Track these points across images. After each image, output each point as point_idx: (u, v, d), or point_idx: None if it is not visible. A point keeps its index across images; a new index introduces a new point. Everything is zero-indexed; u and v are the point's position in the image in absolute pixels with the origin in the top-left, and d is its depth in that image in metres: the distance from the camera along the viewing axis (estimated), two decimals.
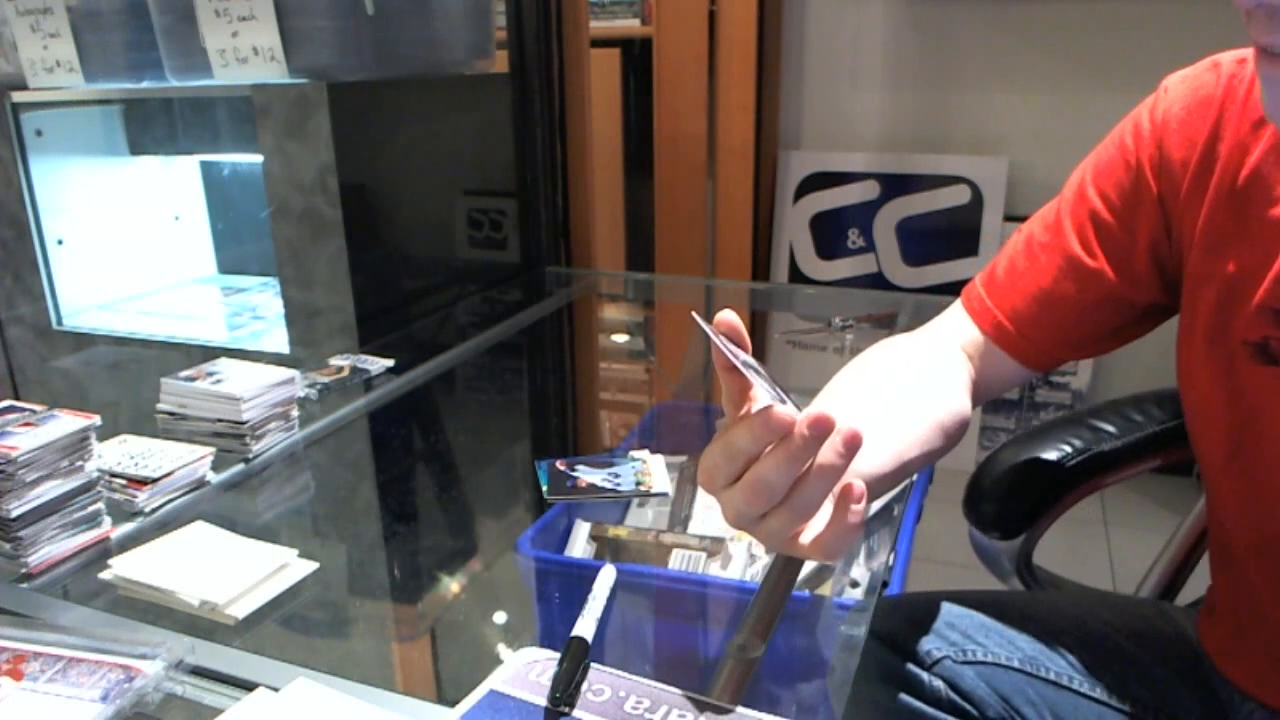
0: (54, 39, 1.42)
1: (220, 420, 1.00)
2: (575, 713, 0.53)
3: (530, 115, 1.74)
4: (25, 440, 0.76)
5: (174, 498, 0.90)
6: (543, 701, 0.54)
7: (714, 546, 0.91)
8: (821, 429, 0.47)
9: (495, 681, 0.56)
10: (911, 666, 0.81)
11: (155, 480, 0.88)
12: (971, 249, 2.42)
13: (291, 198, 1.36)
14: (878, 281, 2.52)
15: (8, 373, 1.66)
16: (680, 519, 1.04)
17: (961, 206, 2.42)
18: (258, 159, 1.38)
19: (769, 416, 0.47)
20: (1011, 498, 0.93)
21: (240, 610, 0.74)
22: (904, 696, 0.80)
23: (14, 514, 0.75)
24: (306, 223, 1.36)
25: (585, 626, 0.63)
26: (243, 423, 0.99)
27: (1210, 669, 0.78)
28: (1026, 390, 2.43)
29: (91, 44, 1.42)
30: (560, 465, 0.97)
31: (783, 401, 0.48)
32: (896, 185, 2.47)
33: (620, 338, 1.80)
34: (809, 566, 0.83)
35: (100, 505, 0.83)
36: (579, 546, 0.96)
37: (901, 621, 0.83)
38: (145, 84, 1.44)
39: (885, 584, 0.85)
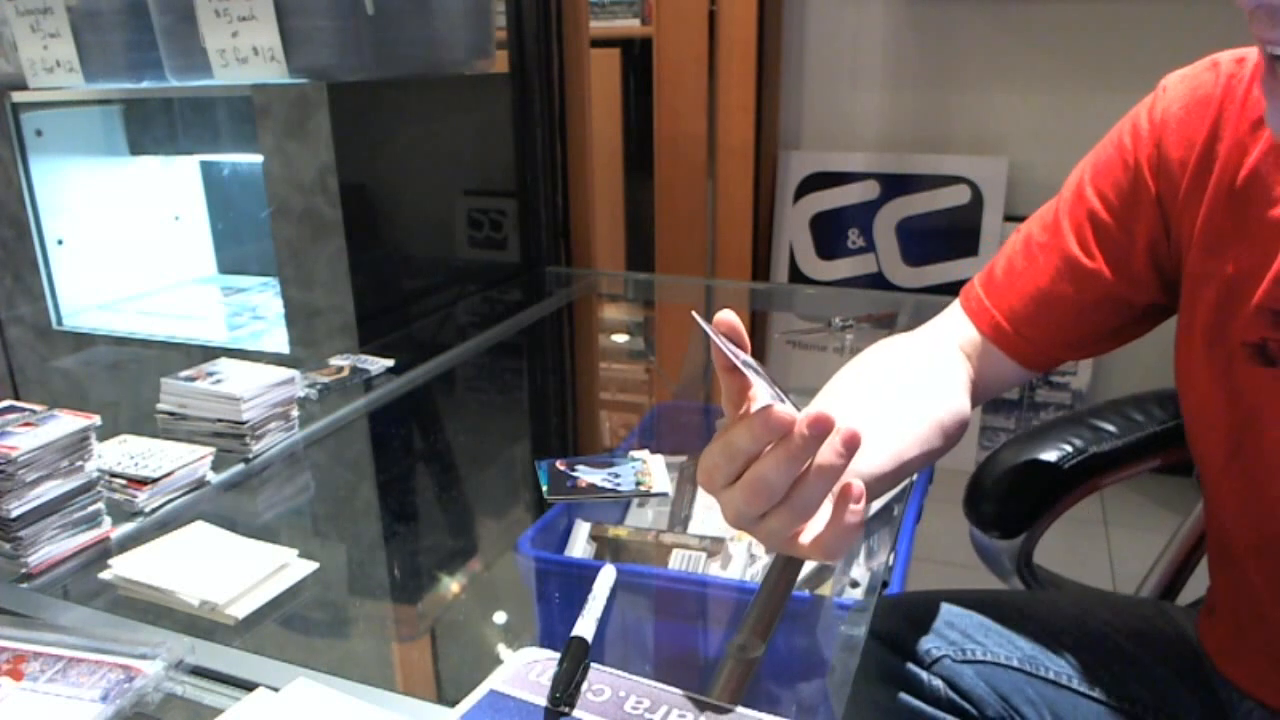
0: (54, 39, 1.42)
1: (220, 420, 1.00)
2: (575, 713, 0.53)
3: (530, 115, 1.74)
4: (25, 440, 0.76)
5: (174, 498, 0.90)
6: (543, 701, 0.54)
7: (714, 546, 0.91)
8: (821, 428, 0.47)
9: (495, 681, 0.56)
10: (911, 666, 0.81)
11: (155, 480, 0.88)
12: (971, 249, 2.42)
13: (291, 198, 1.36)
14: (878, 281, 2.52)
15: (8, 373, 1.66)
16: (680, 519, 1.04)
17: (961, 206, 2.42)
18: (258, 159, 1.38)
19: (769, 416, 0.48)
20: (1012, 497, 0.93)
21: (240, 610, 0.74)
22: (903, 696, 0.80)
23: (14, 514, 0.75)
24: (306, 223, 1.36)
25: (585, 626, 0.63)
26: (243, 423, 0.99)
27: (1210, 669, 0.78)
28: (1026, 390, 2.43)
29: (91, 44, 1.42)
30: (560, 465, 0.97)
31: (782, 401, 0.48)
32: (896, 185, 2.47)
33: (620, 338, 1.80)
34: (809, 566, 0.83)
35: (100, 505, 0.83)
36: (579, 546, 0.96)
37: (901, 621, 0.83)
38: (145, 84, 1.44)
39: (885, 584, 0.85)
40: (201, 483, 0.93)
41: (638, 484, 0.94)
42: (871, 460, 0.60)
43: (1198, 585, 0.90)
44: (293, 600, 0.77)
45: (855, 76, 2.49)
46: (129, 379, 1.57)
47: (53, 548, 0.79)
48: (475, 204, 1.70)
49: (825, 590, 0.86)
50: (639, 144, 2.70)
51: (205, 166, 1.84)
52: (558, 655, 0.57)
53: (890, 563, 0.87)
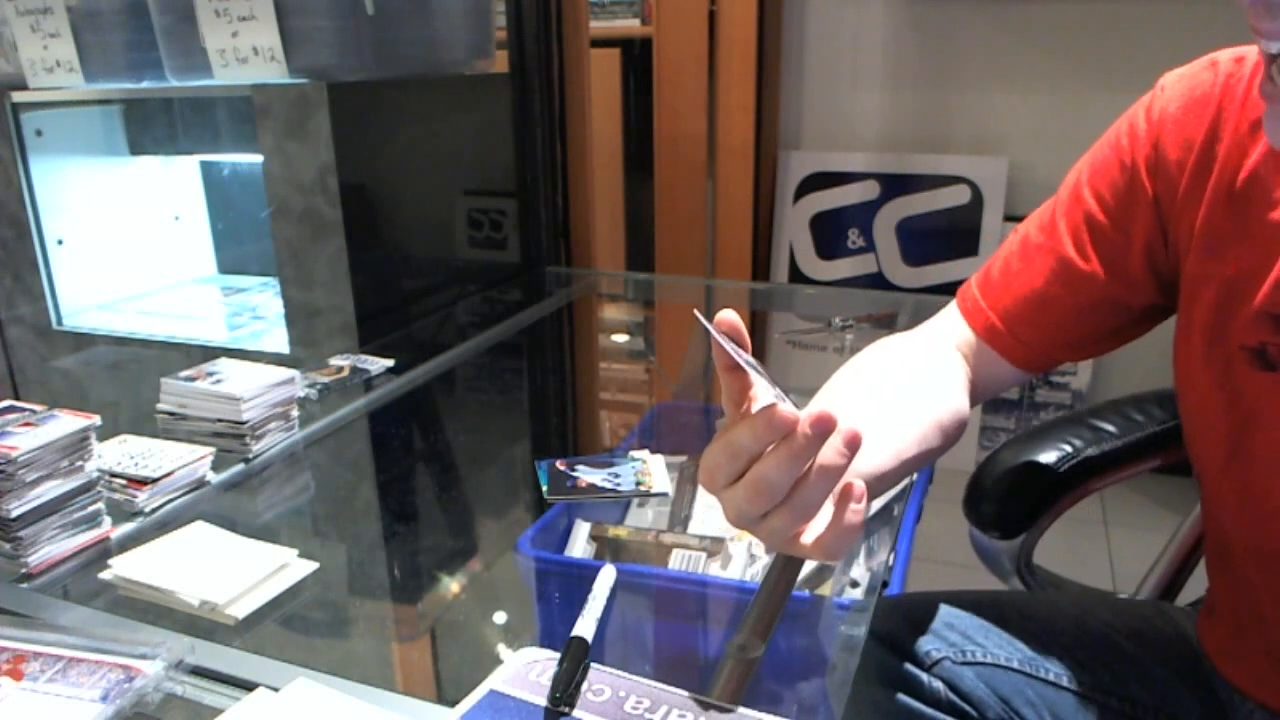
0: (54, 39, 1.42)
1: (220, 420, 1.00)
2: (575, 713, 0.53)
3: (530, 115, 1.74)
4: (25, 440, 0.76)
5: (174, 498, 0.90)
6: (543, 701, 0.54)
7: (714, 546, 0.91)
8: (824, 428, 0.47)
9: (495, 681, 0.56)
10: (911, 667, 0.81)
11: (155, 480, 0.88)
12: (971, 249, 2.42)
13: (291, 198, 1.36)
14: (878, 281, 2.52)
15: (8, 373, 1.66)
16: (680, 519, 1.04)
17: (961, 206, 2.42)
18: (258, 159, 1.38)
19: (772, 415, 0.47)
20: (1012, 498, 0.93)
21: (240, 610, 0.74)
22: (904, 697, 0.80)
23: (14, 514, 0.75)
24: (306, 223, 1.36)
25: (585, 626, 0.63)
26: (243, 423, 0.99)
27: (1210, 670, 0.78)
28: (1026, 390, 2.43)
29: (91, 44, 1.42)
30: (560, 465, 0.97)
31: (783, 401, 0.48)
32: (896, 185, 2.47)
33: (620, 338, 1.80)
34: (809, 566, 0.83)
35: (100, 505, 0.83)
36: (579, 546, 0.96)
37: (901, 622, 0.83)
38: (145, 84, 1.44)
39: (885, 584, 0.85)
40: (201, 483, 0.93)
41: (638, 484, 0.94)
42: (871, 460, 0.60)
43: (1197, 585, 0.90)
44: (293, 600, 0.77)
45: (855, 76, 2.49)
46: (129, 379, 1.57)
47: (53, 548, 0.79)
48: (475, 204, 1.70)
49: (825, 590, 0.86)
50: (639, 144, 2.70)
51: (205, 166, 1.84)
52: (558, 655, 0.57)
53: (890, 563, 0.87)
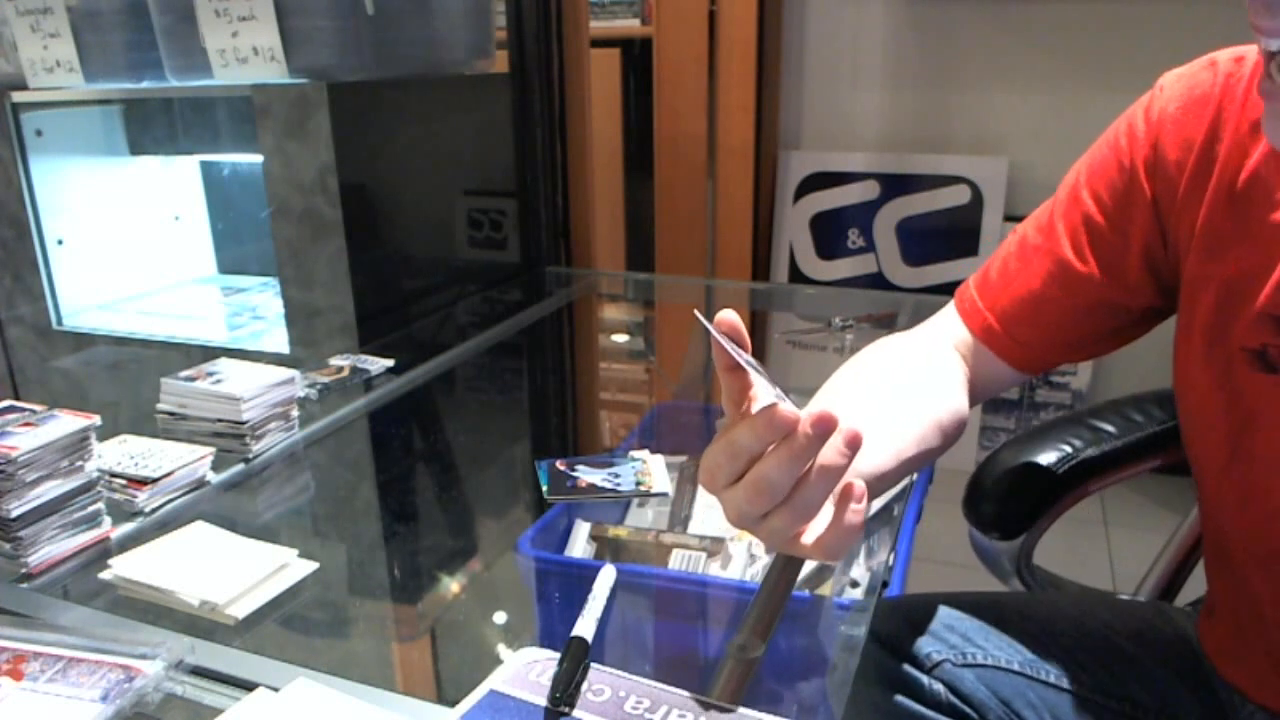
0: (54, 39, 1.42)
1: (220, 420, 1.00)
2: (575, 713, 0.53)
3: (530, 115, 1.74)
4: (25, 440, 0.76)
5: (174, 498, 0.90)
6: (543, 701, 0.54)
7: (714, 546, 0.91)
8: (825, 428, 0.47)
9: (495, 681, 0.56)
10: (911, 670, 0.81)
11: (155, 480, 0.88)
12: (971, 249, 2.42)
13: (291, 198, 1.36)
14: (878, 281, 2.52)
15: (8, 373, 1.66)
16: (680, 519, 1.04)
17: (961, 206, 2.42)
18: (258, 159, 1.38)
19: (773, 415, 0.47)
20: (1011, 498, 0.93)
21: (240, 610, 0.74)
22: (904, 700, 0.80)
23: (14, 514, 0.75)
24: (306, 223, 1.36)
25: (585, 626, 0.63)
26: (243, 423, 0.99)
27: (1210, 671, 0.78)
28: (1026, 390, 2.43)
29: (91, 44, 1.42)
30: (560, 465, 0.97)
31: (783, 401, 0.48)
32: (896, 185, 2.47)
33: (620, 338, 1.80)
34: (809, 566, 0.83)
35: (100, 505, 0.83)
36: (579, 546, 0.96)
37: (901, 624, 0.83)
38: (145, 84, 1.44)
39: (885, 584, 0.85)
40: (201, 483, 0.93)
41: (638, 484, 0.94)
42: (871, 460, 0.60)
43: (1197, 585, 0.90)
44: (293, 600, 0.77)
45: (855, 76, 2.49)
46: (129, 379, 1.57)
47: (53, 548, 0.79)
48: (475, 204, 1.70)
49: (825, 590, 0.86)
50: (639, 144, 2.70)
51: (205, 166, 1.84)
52: (558, 655, 0.57)
53: (890, 563, 0.87)
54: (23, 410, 0.81)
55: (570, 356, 1.67)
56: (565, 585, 0.85)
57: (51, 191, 1.60)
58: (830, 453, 0.49)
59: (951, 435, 0.70)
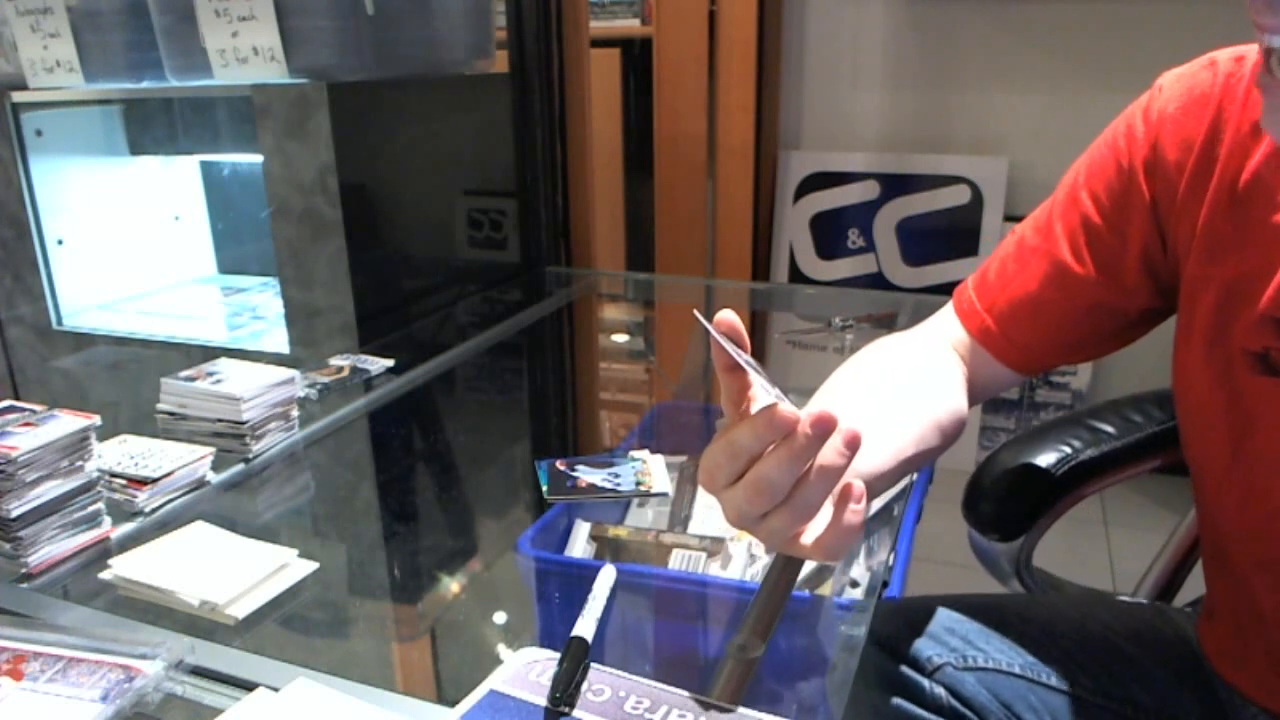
0: (54, 39, 1.42)
1: (220, 420, 1.00)
2: (575, 713, 0.53)
3: (530, 115, 1.74)
4: (25, 440, 0.76)
5: (174, 498, 0.90)
6: (543, 701, 0.54)
7: (714, 546, 0.91)
8: (824, 428, 0.47)
9: (495, 681, 0.56)
10: (912, 673, 0.80)
11: (155, 480, 0.88)
12: (971, 249, 2.42)
13: (291, 198, 1.36)
14: (878, 281, 2.52)
15: (8, 373, 1.66)
16: (680, 519, 1.04)
17: (961, 206, 2.42)
18: (258, 159, 1.38)
19: (773, 415, 0.47)
20: (1010, 499, 0.93)
21: (240, 610, 0.74)
22: (905, 703, 0.80)
23: (14, 514, 0.75)
24: (306, 223, 1.36)
25: (585, 626, 0.63)
26: (243, 423, 0.99)
27: (1211, 672, 0.77)
28: (1026, 390, 2.43)
29: (91, 44, 1.42)
30: (560, 465, 0.97)
31: (782, 401, 0.48)
32: (896, 185, 2.47)
33: (620, 338, 1.80)
34: (809, 566, 0.83)
35: (100, 505, 0.83)
36: (579, 546, 0.96)
37: (901, 627, 0.83)
38: (145, 84, 1.44)
39: (885, 584, 0.85)
40: (201, 483, 0.93)
41: (638, 484, 0.94)
42: (871, 460, 0.60)
43: (1196, 584, 0.90)
44: (293, 600, 0.77)
45: (855, 76, 2.49)
46: (129, 379, 1.57)
47: (53, 548, 0.79)
48: (475, 204, 1.70)
49: (825, 590, 0.86)
50: (639, 144, 2.70)
51: (205, 166, 1.84)
52: (558, 655, 0.57)
53: (890, 563, 0.87)
54: (23, 410, 0.81)
55: (570, 356, 1.67)
56: (565, 585, 0.85)
57: (51, 191, 1.60)
58: (829, 453, 0.49)
59: (951, 435, 0.70)
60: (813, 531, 0.52)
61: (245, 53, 1.29)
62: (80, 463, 0.80)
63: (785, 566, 0.65)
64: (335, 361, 1.28)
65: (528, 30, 1.71)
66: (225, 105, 1.63)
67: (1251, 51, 0.64)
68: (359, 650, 0.83)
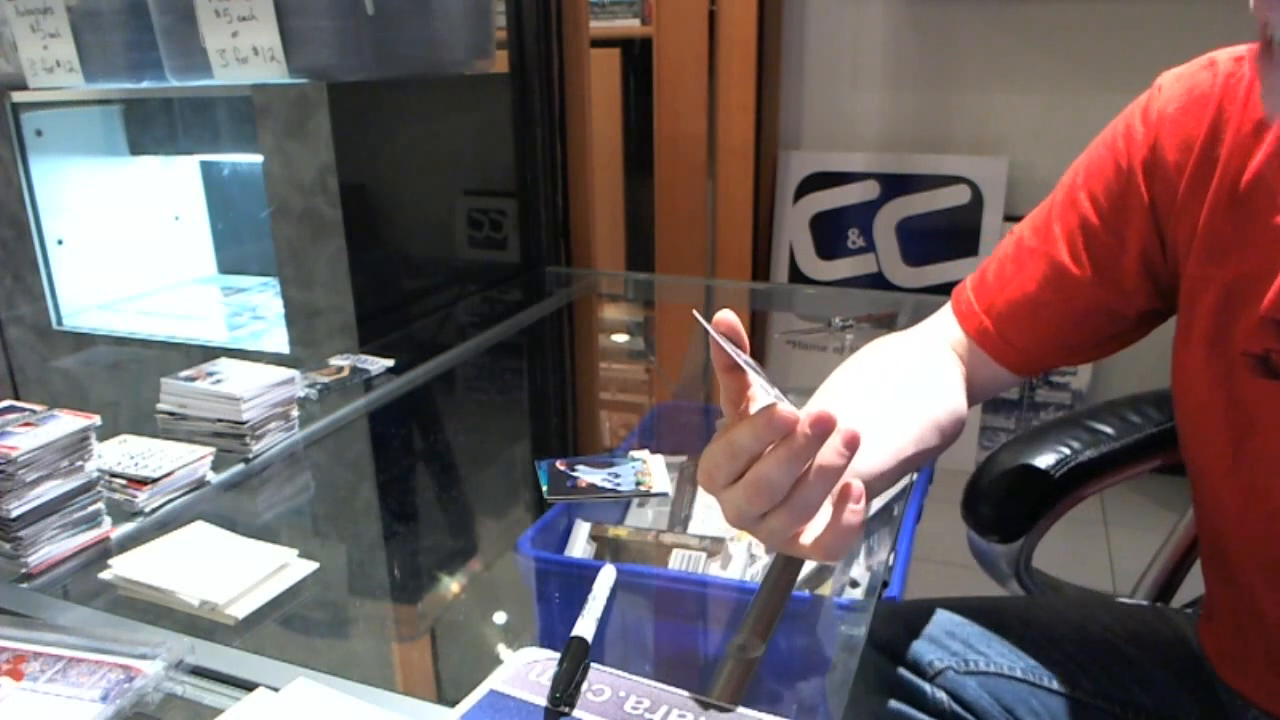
0: (54, 39, 1.42)
1: (220, 420, 1.00)
2: (575, 713, 0.53)
3: (530, 115, 1.74)
4: (25, 440, 0.76)
5: (174, 498, 0.90)
6: (543, 701, 0.54)
7: (714, 546, 0.91)
8: (824, 428, 0.47)
9: (495, 681, 0.56)
10: (914, 678, 0.80)
11: (155, 480, 0.88)
12: (971, 249, 2.42)
13: (291, 198, 1.36)
14: (878, 281, 2.52)
15: (8, 373, 1.66)
16: (680, 519, 1.04)
17: (961, 206, 2.42)
18: (258, 159, 1.38)
19: (773, 415, 0.48)
20: (1009, 501, 0.93)
21: (240, 610, 0.74)
22: (906, 708, 0.80)
23: (14, 514, 0.75)
24: (306, 223, 1.36)
25: (585, 626, 0.63)
26: (243, 423, 0.99)
27: (1211, 674, 0.77)
28: (1026, 390, 2.43)
29: (91, 44, 1.42)
30: (560, 465, 0.97)
31: (781, 401, 0.48)
32: (896, 185, 2.47)
33: (620, 338, 1.80)
34: (809, 566, 0.83)
35: (100, 505, 0.83)
36: (579, 546, 0.96)
37: (900, 630, 0.83)
38: (145, 84, 1.44)
39: (885, 584, 0.85)
40: (201, 483, 0.93)
41: (638, 484, 0.94)
42: (870, 460, 0.60)
43: (1194, 584, 0.90)
44: (293, 600, 0.77)
45: (855, 76, 2.49)
46: (129, 379, 1.57)
47: (53, 548, 0.79)
48: (475, 204, 1.70)
49: (825, 590, 0.86)
50: (639, 144, 2.70)
51: (205, 166, 1.84)
52: (558, 655, 0.57)
53: (890, 563, 0.87)
54: (23, 410, 0.81)
55: (570, 356, 1.67)
56: (565, 585, 0.85)
57: (51, 191, 1.60)
58: (829, 453, 0.49)
59: (950, 435, 0.70)
60: (812, 531, 0.52)
61: (245, 53, 1.29)
62: (80, 463, 0.80)
63: (785, 566, 0.65)
64: (335, 361, 1.28)
65: (528, 30, 1.71)
66: (225, 105, 1.63)
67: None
68: (359, 650, 0.83)
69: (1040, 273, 0.72)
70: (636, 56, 2.69)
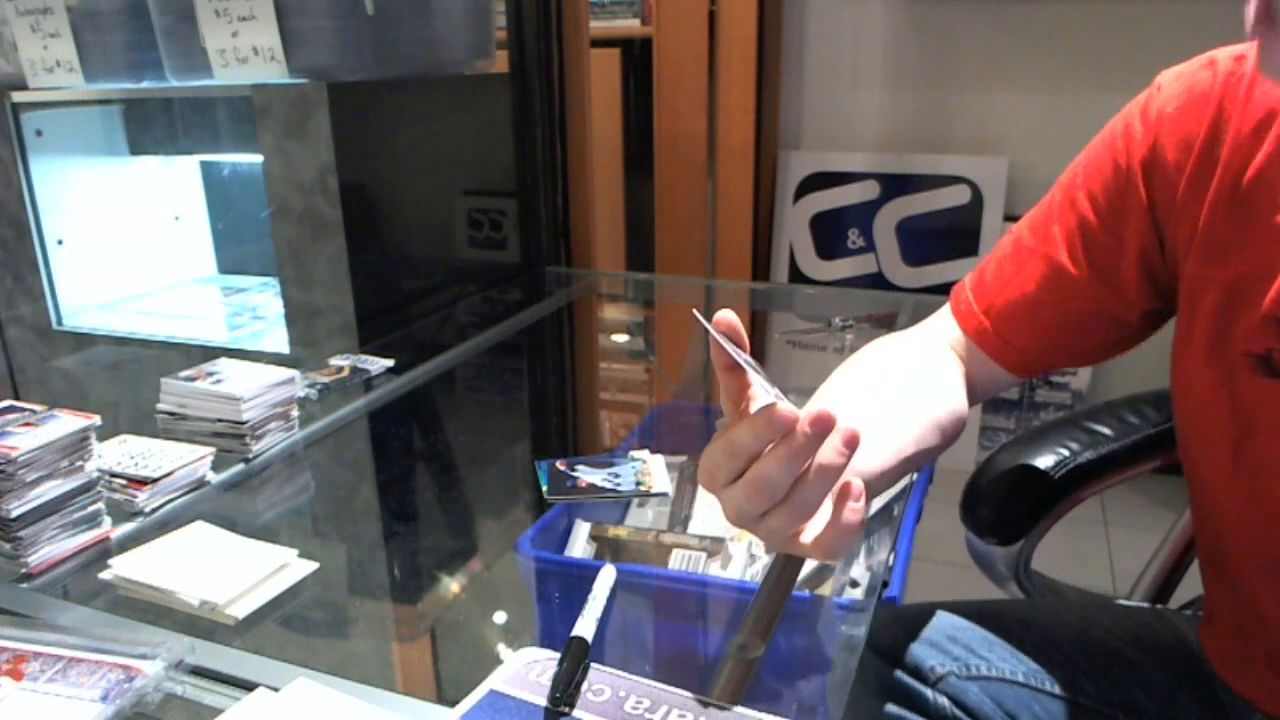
0: (54, 39, 1.42)
1: (220, 420, 1.00)
2: (575, 713, 0.53)
3: (530, 115, 1.74)
4: (25, 440, 0.76)
5: (174, 498, 0.90)
6: (543, 701, 0.54)
7: (714, 546, 0.91)
8: (823, 426, 0.47)
9: (495, 681, 0.56)
10: (914, 683, 0.80)
11: (155, 480, 0.88)
12: (971, 249, 2.42)
13: (291, 198, 1.36)
14: (878, 281, 2.52)
15: (8, 373, 1.66)
16: (680, 519, 1.04)
17: (961, 206, 2.42)
18: (258, 159, 1.38)
19: (773, 414, 0.48)
20: (1009, 503, 0.93)
21: (240, 610, 0.74)
22: (907, 713, 0.80)
23: (14, 514, 0.75)
24: (306, 223, 1.36)
25: (585, 626, 0.63)
26: (243, 423, 0.99)
27: (1212, 676, 0.77)
28: (1026, 390, 2.43)
29: (91, 44, 1.42)
30: (560, 465, 0.97)
31: (781, 400, 0.48)
32: (896, 185, 2.47)
33: (620, 338, 1.80)
34: (809, 566, 0.83)
35: (100, 505, 0.83)
36: (579, 546, 0.96)
37: (900, 635, 0.83)
38: (145, 84, 1.44)
39: (885, 584, 0.85)
40: (201, 483, 0.93)
41: (638, 484, 0.94)
42: (870, 459, 0.60)
43: (1193, 584, 0.90)
44: (293, 600, 0.77)
45: (855, 76, 2.49)
46: (129, 379, 1.57)
47: (53, 548, 0.79)
48: (475, 204, 1.70)
49: (825, 590, 0.86)
50: (639, 144, 2.70)
51: (205, 166, 1.84)
52: (558, 655, 0.57)
53: (890, 563, 0.87)
54: (23, 410, 0.81)
55: (570, 356, 1.67)
56: (565, 585, 0.85)
57: (51, 191, 1.60)
58: (829, 452, 0.49)
59: (950, 434, 0.69)
60: (812, 530, 0.52)
61: (245, 53, 1.29)
62: (80, 463, 0.80)
63: (785, 566, 0.65)
64: (335, 361, 1.28)
65: (528, 30, 1.71)
66: (225, 105, 1.63)
67: (1252, 50, 0.64)
68: (359, 650, 0.83)
69: (1039, 273, 0.72)
70: (636, 56, 2.69)
